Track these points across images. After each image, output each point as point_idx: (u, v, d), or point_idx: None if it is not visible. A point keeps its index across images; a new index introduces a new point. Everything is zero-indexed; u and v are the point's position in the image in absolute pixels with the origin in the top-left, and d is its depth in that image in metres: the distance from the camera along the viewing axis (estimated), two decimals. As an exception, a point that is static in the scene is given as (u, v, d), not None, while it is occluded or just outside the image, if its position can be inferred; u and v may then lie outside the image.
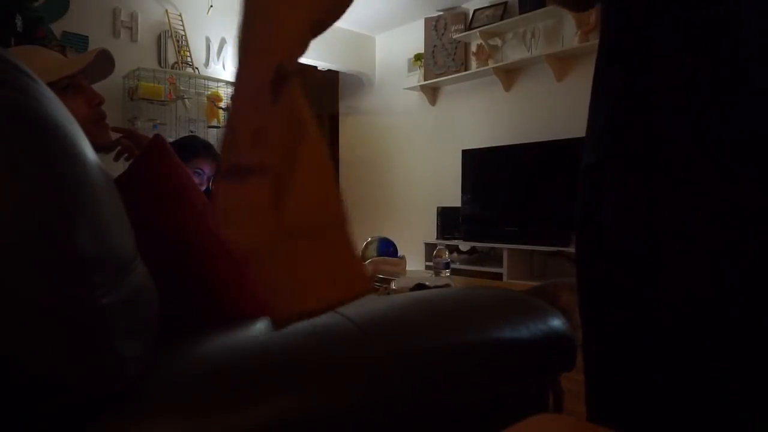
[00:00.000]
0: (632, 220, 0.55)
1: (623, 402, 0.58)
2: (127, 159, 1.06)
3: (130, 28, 3.36)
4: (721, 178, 0.49)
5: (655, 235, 0.53)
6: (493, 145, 3.70)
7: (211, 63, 3.68)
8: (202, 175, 1.95)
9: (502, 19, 3.63)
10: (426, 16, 4.17)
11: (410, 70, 4.38)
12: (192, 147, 1.98)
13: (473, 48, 3.88)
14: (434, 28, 4.13)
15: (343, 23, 4.41)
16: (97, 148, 0.97)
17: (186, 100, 3.45)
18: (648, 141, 0.53)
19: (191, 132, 3.34)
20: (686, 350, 0.51)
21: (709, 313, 0.49)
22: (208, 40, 3.68)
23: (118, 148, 1.07)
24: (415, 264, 3.72)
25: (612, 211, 0.57)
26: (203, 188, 1.98)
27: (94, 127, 0.98)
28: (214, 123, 3.55)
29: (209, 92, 3.55)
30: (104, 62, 1.04)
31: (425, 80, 4.13)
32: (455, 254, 3.68)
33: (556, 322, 0.93)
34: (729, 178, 0.49)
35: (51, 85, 0.91)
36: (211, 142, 2.16)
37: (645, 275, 0.54)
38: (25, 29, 2.39)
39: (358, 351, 0.66)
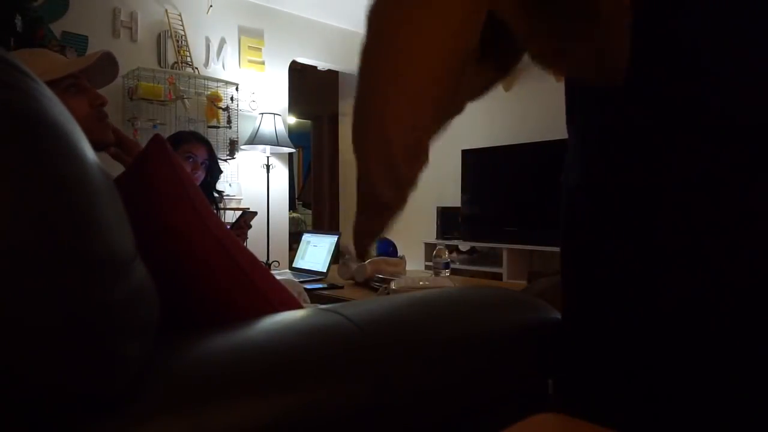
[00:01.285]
0: (621, 236, 0.56)
1: (600, 399, 0.59)
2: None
3: (130, 28, 3.36)
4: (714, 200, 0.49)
5: (647, 252, 0.53)
6: (493, 145, 3.70)
7: (211, 63, 3.68)
8: (195, 159, 1.95)
9: (501, 19, 3.63)
10: (426, 16, 4.17)
11: (410, 70, 4.37)
12: (178, 136, 2.00)
13: (473, 48, 3.88)
14: (434, 28, 4.13)
15: (343, 23, 4.41)
16: (98, 145, 0.98)
17: (186, 100, 3.45)
18: (642, 166, 0.54)
19: (191, 132, 3.35)
20: (665, 354, 0.52)
21: (695, 318, 0.50)
22: (208, 40, 3.68)
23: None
24: (415, 264, 3.72)
25: (602, 227, 0.58)
26: (198, 173, 1.97)
27: (96, 124, 0.99)
28: (214, 123, 3.55)
29: (209, 92, 3.55)
30: (108, 65, 1.04)
31: (425, 80, 4.12)
32: (455, 254, 3.68)
33: (557, 322, 0.93)
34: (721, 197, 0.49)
35: (54, 83, 0.92)
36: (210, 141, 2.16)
37: (635, 285, 0.54)
38: (25, 29, 2.39)
39: (358, 351, 0.66)
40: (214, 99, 3.54)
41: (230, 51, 3.78)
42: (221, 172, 2.14)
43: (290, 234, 4.32)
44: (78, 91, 0.97)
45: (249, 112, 3.83)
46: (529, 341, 0.87)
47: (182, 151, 1.91)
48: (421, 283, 1.79)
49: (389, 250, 2.33)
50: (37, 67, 0.92)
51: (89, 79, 1.01)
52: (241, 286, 0.80)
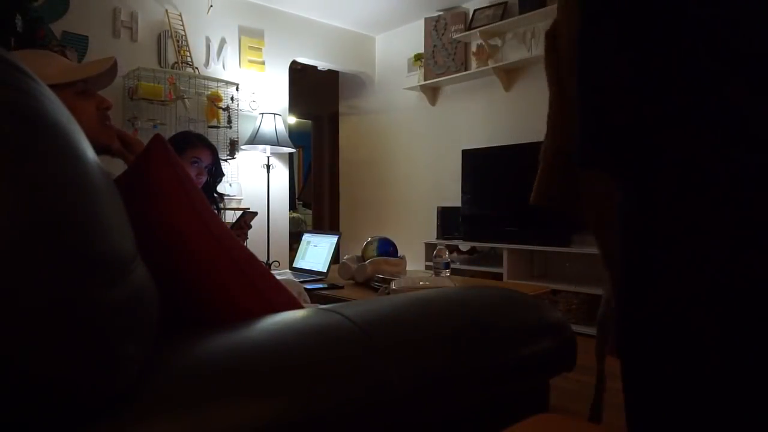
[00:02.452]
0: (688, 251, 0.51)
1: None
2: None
3: (130, 28, 3.36)
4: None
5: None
6: (493, 145, 3.70)
7: (211, 63, 3.68)
8: (200, 164, 1.94)
9: (502, 19, 3.63)
10: (426, 16, 4.17)
11: (410, 70, 4.38)
12: (185, 139, 1.97)
13: (473, 48, 3.88)
14: (434, 28, 4.13)
15: (343, 23, 4.42)
16: (101, 148, 1.00)
17: (186, 100, 3.45)
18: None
19: (191, 132, 3.34)
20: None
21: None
22: (208, 40, 3.68)
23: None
24: (415, 264, 3.73)
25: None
26: (203, 178, 1.97)
27: (101, 128, 1.02)
28: (215, 123, 3.55)
29: (209, 92, 3.55)
30: (110, 70, 1.07)
31: (425, 80, 4.13)
32: (455, 254, 3.68)
33: (557, 322, 0.93)
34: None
35: (68, 85, 0.96)
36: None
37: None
38: (25, 29, 2.39)
39: (358, 351, 0.66)
40: (215, 99, 3.54)
41: (230, 51, 3.78)
42: (223, 175, 2.14)
43: (290, 234, 4.32)
44: (87, 95, 1.00)
45: (249, 112, 3.83)
46: (530, 341, 0.87)
47: (188, 156, 1.90)
48: (421, 283, 1.78)
49: (389, 250, 2.33)
50: (51, 68, 0.95)
51: (92, 82, 1.03)
52: (241, 286, 0.80)
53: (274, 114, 3.73)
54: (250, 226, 2.01)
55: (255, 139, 3.63)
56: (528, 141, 3.42)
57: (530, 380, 0.91)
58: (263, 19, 3.98)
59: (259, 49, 3.91)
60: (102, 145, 1.01)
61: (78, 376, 0.46)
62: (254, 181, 3.89)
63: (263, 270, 0.85)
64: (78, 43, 3.09)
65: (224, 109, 3.59)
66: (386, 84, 4.65)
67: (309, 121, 6.71)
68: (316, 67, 4.51)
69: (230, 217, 3.36)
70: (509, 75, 3.72)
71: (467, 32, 3.80)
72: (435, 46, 4.12)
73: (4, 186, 0.40)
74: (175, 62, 3.50)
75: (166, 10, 3.48)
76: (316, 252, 2.51)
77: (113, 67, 1.06)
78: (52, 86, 0.94)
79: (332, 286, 2.11)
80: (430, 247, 3.70)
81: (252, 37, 3.90)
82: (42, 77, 0.94)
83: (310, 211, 6.98)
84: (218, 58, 3.71)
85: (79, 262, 0.44)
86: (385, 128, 4.66)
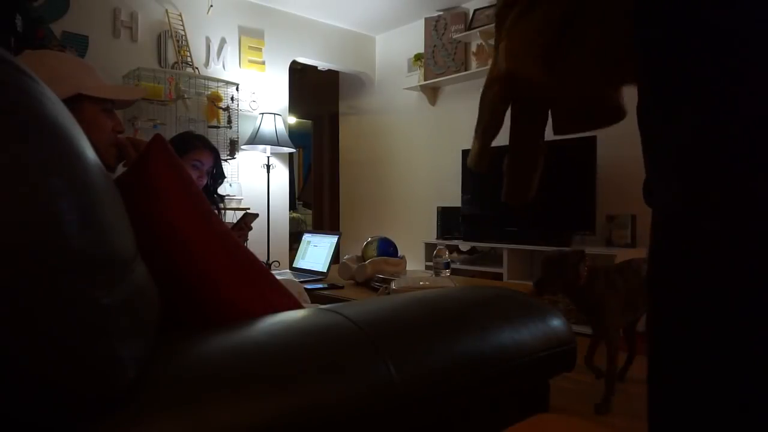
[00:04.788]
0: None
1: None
2: (125, 165, 1.11)
3: (130, 28, 3.36)
4: None
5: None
6: (493, 145, 3.70)
7: (211, 63, 3.68)
8: (201, 167, 1.94)
9: (502, 19, 3.63)
10: (426, 16, 4.17)
11: (410, 70, 4.38)
12: (187, 141, 1.97)
13: (473, 48, 3.88)
14: (434, 28, 4.13)
15: (343, 23, 4.42)
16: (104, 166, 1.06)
17: (186, 100, 3.45)
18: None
19: (191, 132, 3.34)
20: None
21: None
22: (208, 40, 3.68)
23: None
24: (415, 264, 3.72)
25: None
26: (203, 180, 1.97)
27: (108, 147, 1.08)
28: (215, 123, 3.55)
29: (209, 92, 3.55)
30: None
31: (425, 80, 4.13)
32: (455, 254, 3.68)
33: (557, 322, 0.93)
34: None
35: (100, 101, 1.03)
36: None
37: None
38: (25, 29, 2.39)
39: (358, 351, 0.66)
40: (215, 99, 3.54)
41: (230, 51, 3.78)
42: (224, 177, 2.14)
43: (290, 234, 4.32)
44: (109, 114, 1.07)
45: (249, 112, 3.83)
46: (529, 341, 0.87)
47: (189, 158, 1.90)
48: (421, 283, 1.79)
49: (389, 250, 2.33)
50: (90, 80, 1.02)
51: (118, 104, 1.12)
52: (242, 286, 0.80)
53: (274, 114, 3.73)
54: (250, 228, 2.01)
55: (255, 139, 3.63)
56: (528, 141, 3.41)
57: (530, 380, 0.91)
58: (263, 19, 3.98)
59: (259, 49, 3.92)
60: (104, 163, 1.06)
61: (77, 375, 0.46)
62: (254, 181, 3.89)
63: (263, 270, 0.85)
64: (78, 43, 3.09)
65: (224, 109, 3.59)
66: (386, 84, 4.65)
67: (309, 121, 6.71)
68: (316, 67, 4.51)
69: (231, 217, 3.36)
70: (509, 75, 3.71)
71: (467, 32, 3.79)
72: (435, 46, 4.12)
73: (5, 186, 0.40)
74: (175, 62, 3.50)
75: (166, 10, 3.48)
76: (316, 252, 2.51)
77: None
78: (86, 96, 0.99)
79: (332, 286, 2.11)
80: (430, 247, 3.70)
81: (252, 37, 3.90)
82: (82, 87, 0.99)
83: (310, 211, 6.98)
84: (218, 58, 3.71)
85: (79, 262, 0.44)
86: (385, 128, 4.66)
